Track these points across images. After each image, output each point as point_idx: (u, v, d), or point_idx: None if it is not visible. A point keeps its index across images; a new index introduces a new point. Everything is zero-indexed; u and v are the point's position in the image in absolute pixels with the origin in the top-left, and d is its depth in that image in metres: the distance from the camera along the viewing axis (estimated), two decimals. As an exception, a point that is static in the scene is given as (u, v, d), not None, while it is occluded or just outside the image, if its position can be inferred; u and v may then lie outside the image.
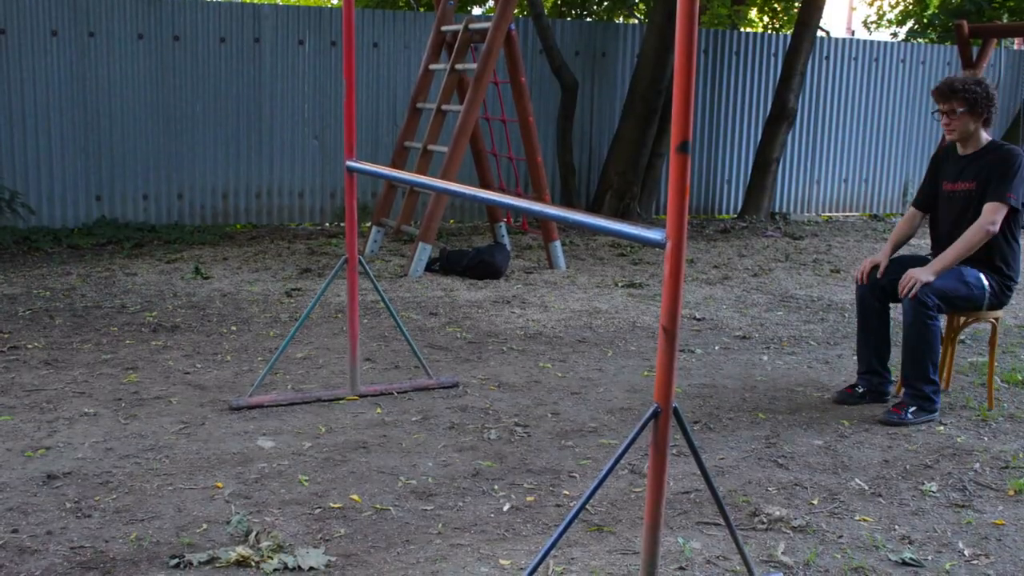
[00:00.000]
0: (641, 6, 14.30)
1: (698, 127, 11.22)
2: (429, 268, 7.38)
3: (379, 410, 4.21)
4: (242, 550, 2.80)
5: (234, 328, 5.54)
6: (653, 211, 10.93)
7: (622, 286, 7.12)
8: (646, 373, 4.89)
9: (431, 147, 7.66)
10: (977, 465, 3.73)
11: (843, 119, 11.95)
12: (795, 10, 14.44)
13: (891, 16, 17.45)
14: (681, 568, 2.84)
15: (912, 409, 4.17)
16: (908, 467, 3.70)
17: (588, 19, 14.22)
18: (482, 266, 7.24)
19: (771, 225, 10.65)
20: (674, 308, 2.20)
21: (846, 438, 4.01)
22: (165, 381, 4.52)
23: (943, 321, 4.40)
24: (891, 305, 4.46)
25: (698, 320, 6.10)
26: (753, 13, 15.60)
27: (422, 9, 12.89)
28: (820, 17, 10.88)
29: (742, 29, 13.08)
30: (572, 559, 2.87)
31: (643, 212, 10.56)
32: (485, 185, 8.15)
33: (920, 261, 4.31)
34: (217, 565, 2.76)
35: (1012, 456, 3.84)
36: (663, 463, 2.31)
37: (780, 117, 10.81)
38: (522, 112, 7.61)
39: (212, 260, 7.55)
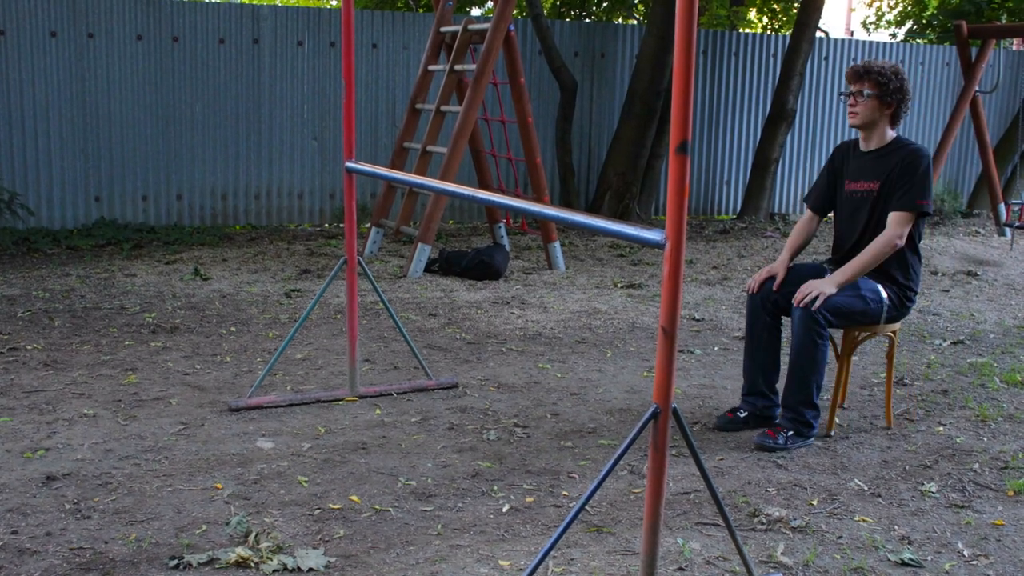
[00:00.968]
0: (640, 7, 14.31)
1: (697, 128, 11.23)
2: (428, 269, 7.38)
3: (378, 411, 4.21)
4: (241, 551, 2.80)
5: (233, 329, 5.54)
6: (652, 212, 10.93)
7: (621, 287, 7.12)
8: (645, 374, 4.89)
9: (430, 148, 7.66)
10: (976, 466, 3.74)
11: (842, 120, 11.95)
12: (794, 11, 14.45)
13: (890, 17, 17.45)
14: (681, 569, 2.84)
15: (789, 434, 3.83)
16: (907, 468, 3.70)
17: (587, 20, 14.23)
18: (481, 267, 7.24)
19: (770, 226, 10.65)
20: (673, 309, 2.20)
21: (845, 439, 4.01)
22: (164, 382, 4.51)
23: (842, 336, 4.07)
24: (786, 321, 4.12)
25: (697, 321, 6.10)
26: (752, 14, 15.61)
27: (421, 10, 12.90)
28: (819, 18, 10.89)
29: (741, 30, 13.08)
30: (571, 560, 2.87)
31: (642, 213, 10.56)
32: (484, 186, 8.15)
33: (818, 271, 4.00)
34: (216, 566, 2.76)
35: (1011, 456, 3.84)
36: (662, 464, 2.31)
37: (779, 118, 10.81)
38: (521, 113, 7.61)
39: (211, 261, 7.55)
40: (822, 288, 3.76)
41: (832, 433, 4.01)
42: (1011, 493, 3.47)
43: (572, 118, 10.28)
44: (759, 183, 11.01)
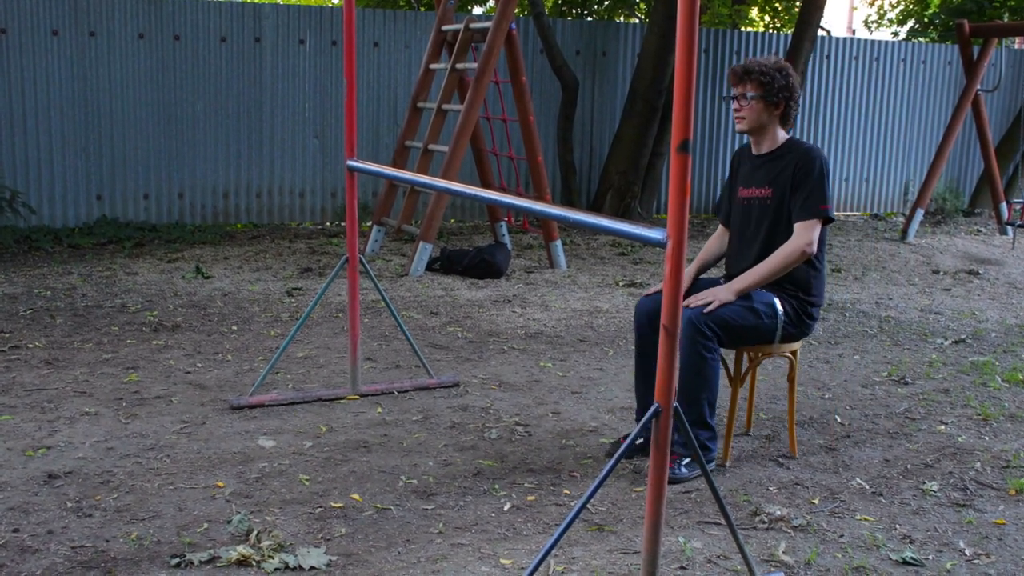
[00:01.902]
0: (642, 5, 14.29)
1: (699, 127, 11.22)
2: (430, 267, 7.38)
3: (380, 409, 4.21)
4: (243, 549, 2.80)
5: (235, 327, 5.54)
6: (654, 210, 10.92)
7: (623, 285, 7.12)
8: (647, 372, 4.89)
9: (432, 146, 7.66)
10: (978, 464, 3.73)
11: (844, 119, 11.94)
12: (796, 10, 14.44)
13: (892, 15, 17.44)
14: (682, 567, 2.84)
15: (686, 461, 3.47)
16: (909, 466, 3.70)
17: (589, 18, 14.22)
18: (483, 265, 7.24)
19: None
20: (675, 308, 2.20)
21: (847, 437, 4.01)
22: (166, 380, 4.52)
23: (734, 357, 3.73)
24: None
25: (699, 319, 6.09)
26: (754, 13, 15.59)
27: (423, 8, 12.89)
28: (821, 16, 10.87)
29: (743, 29, 13.07)
30: (573, 558, 2.87)
31: (644, 211, 10.55)
32: (486, 184, 8.15)
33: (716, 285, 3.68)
34: (218, 564, 2.76)
35: (1013, 455, 3.83)
36: (664, 462, 2.31)
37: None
38: (523, 111, 7.61)
39: (213, 259, 7.56)
40: (718, 294, 3.46)
41: (727, 464, 3.63)
42: (1013, 492, 3.47)
43: (574, 117, 10.28)
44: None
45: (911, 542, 3.05)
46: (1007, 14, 14.12)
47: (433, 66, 7.96)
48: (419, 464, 3.60)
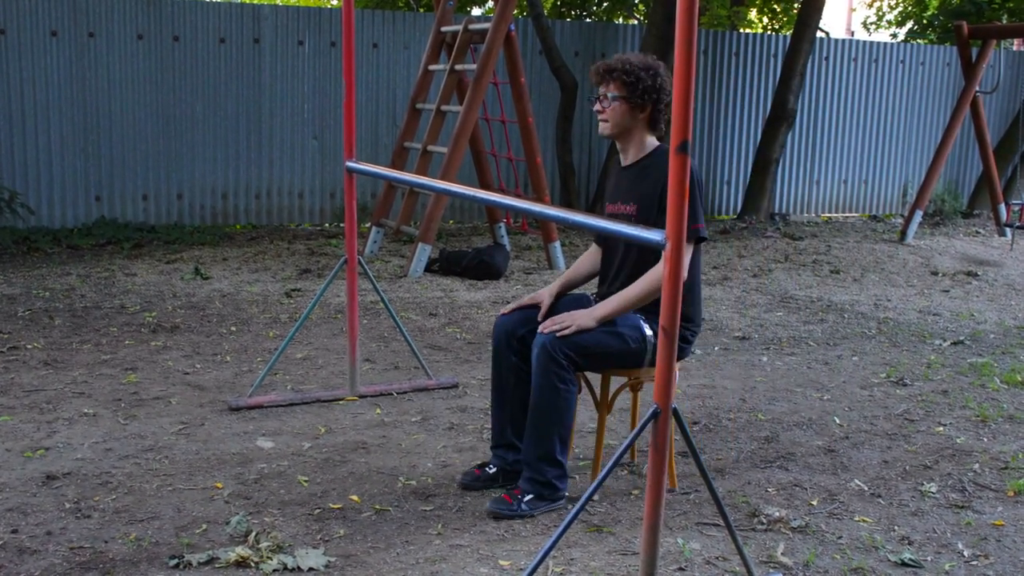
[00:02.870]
0: (641, 7, 14.30)
1: (697, 128, 11.22)
2: (429, 269, 7.38)
3: (379, 411, 4.21)
4: (241, 550, 2.80)
5: (234, 328, 5.54)
6: (653, 212, 10.91)
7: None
8: (646, 374, 4.89)
9: (431, 147, 7.66)
10: (976, 466, 3.74)
11: (843, 120, 11.95)
12: (794, 11, 14.45)
13: (891, 17, 17.45)
14: (681, 568, 2.84)
15: (528, 498, 3.17)
16: (907, 468, 3.70)
17: (588, 20, 14.22)
18: (482, 266, 7.24)
19: (770, 226, 10.65)
20: (674, 309, 2.21)
21: (845, 439, 4.01)
22: (164, 381, 4.51)
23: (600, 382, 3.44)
24: None
25: (697, 321, 6.10)
26: (752, 14, 15.61)
27: (422, 10, 12.89)
28: (819, 18, 10.88)
29: (741, 30, 13.08)
30: (571, 560, 2.87)
31: (643, 213, 10.54)
32: (485, 186, 8.15)
33: (584, 303, 3.37)
34: (216, 565, 2.76)
35: (1011, 457, 3.84)
36: (663, 463, 2.31)
37: (779, 118, 10.80)
38: (521, 113, 7.61)
39: (212, 260, 7.55)
40: (577, 319, 3.14)
41: (595, 498, 3.26)
42: (1011, 493, 3.47)
43: (573, 118, 10.28)
44: (759, 183, 11.00)
45: (910, 543, 3.05)
46: (1006, 16, 14.13)
47: (432, 67, 7.96)
48: (418, 465, 3.60)
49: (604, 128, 3.30)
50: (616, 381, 3.39)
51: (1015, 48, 15.10)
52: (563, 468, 3.22)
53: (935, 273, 8.12)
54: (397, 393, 4.44)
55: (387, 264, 7.65)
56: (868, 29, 17.77)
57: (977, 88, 9.78)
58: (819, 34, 11.32)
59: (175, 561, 2.76)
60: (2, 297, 6.10)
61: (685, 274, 2.96)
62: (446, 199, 7.59)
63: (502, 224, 8.23)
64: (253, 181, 9.39)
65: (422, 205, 8.47)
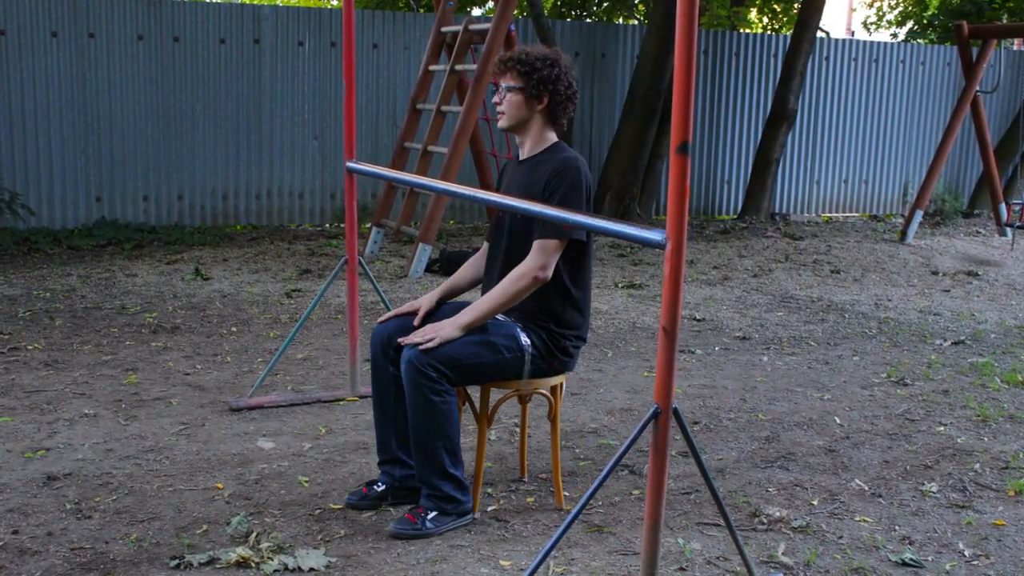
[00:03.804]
0: (641, 7, 14.30)
1: (698, 128, 11.22)
2: (429, 269, 7.38)
3: (379, 411, 4.21)
4: (242, 551, 2.80)
5: (234, 329, 5.54)
6: (653, 212, 10.93)
7: (622, 287, 7.12)
8: (646, 374, 4.89)
9: (431, 148, 7.66)
10: (977, 466, 3.73)
11: (843, 120, 11.95)
12: (795, 11, 14.45)
13: (891, 17, 17.45)
14: (681, 569, 2.84)
15: (432, 515, 3.00)
16: (908, 468, 3.70)
17: (588, 20, 14.22)
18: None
19: (771, 226, 10.65)
20: (674, 309, 2.20)
21: (846, 439, 4.01)
22: (165, 382, 4.52)
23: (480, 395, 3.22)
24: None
25: (698, 321, 6.10)
26: (753, 14, 15.60)
27: (422, 10, 12.89)
28: (820, 18, 10.88)
29: (742, 30, 13.08)
30: (572, 560, 2.87)
31: (643, 213, 10.55)
32: (485, 186, 8.15)
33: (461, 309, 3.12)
34: (217, 566, 2.76)
35: (1012, 457, 3.83)
36: (663, 464, 2.31)
37: (780, 118, 10.81)
38: (522, 113, 7.60)
39: (212, 261, 7.55)
40: (441, 330, 2.95)
41: (477, 514, 3.14)
42: (1012, 493, 3.47)
43: (573, 118, 10.27)
44: (760, 183, 11.01)
45: (910, 543, 3.05)
46: (1006, 15, 14.13)
47: (432, 67, 7.96)
48: (418, 465, 3.59)
49: (501, 121, 3.15)
50: (497, 392, 3.16)
51: (1015, 48, 15.09)
52: (458, 480, 3.04)
53: (935, 273, 8.12)
54: (398, 393, 4.43)
55: (388, 264, 7.65)
56: (868, 29, 17.77)
57: (977, 88, 9.78)
58: (819, 34, 11.32)
59: (176, 562, 2.76)
60: (3, 298, 6.11)
61: (547, 274, 2.95)
62: (446, 199, 7.59)
63: (502, 224, 8.22)
64: (253, 182, 9.39)
65: (422, 205, 8.47)
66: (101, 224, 8.70)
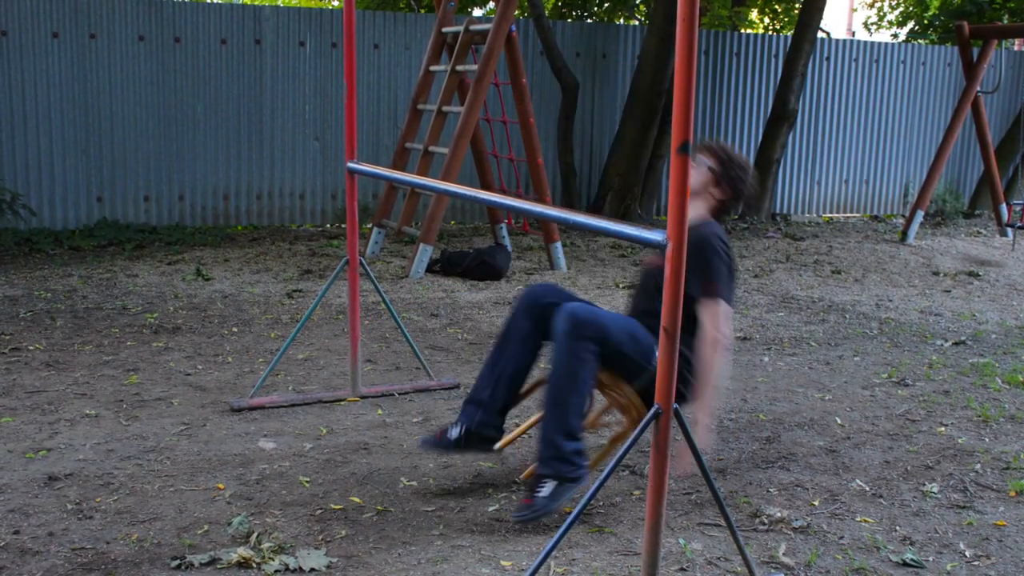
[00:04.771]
0: (642, 7, 14.30)
1: (699, 128, 11.22)
2: (430, 269, 7.38)
3: (380, 411, 4.21)
4: (243, 551, 2.80)
5: (235, 329, 5.54)
6: (654, 212, 10.93)
7: (623, 287, 7.12)
8: (647, 374, 4.89)
9: (432, 148, 7.66)
10: (978, 466, 3.73)
11: (844, 120, 11.95)
12: (796, 11, 14.45)
13: (892, 17, 17.44)
14: (682, 569, 2.84)
15: (545, 490, 3.02)
16: (909, 468, 3.70)
17: (589, 20, 14.22)
18: (483, 267, 7.24)
19: (772, 226, 10.65)
20: (675, 309, 2.21)
21: (847, 439, 4.01)
22: (166, 382, 4.52)
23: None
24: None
25: (699, 321, 6.09)
26: (754, 14, 15.60)
27: (423, 11, 12.90)
28: (821, 18, 10.89)
29: (742, 30, 13.08)
30: (573, 560, 2.87)
31: (644, 213, 10.56)
32: (486, 186, 8.15)
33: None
34: (218, 566, 2.76)
35: (1013, 457, 3.83)
36: (664, 464, 2.31)
37: (781, 118, 10.81)
38: (523, 113, 7.61)
39: (213, 261, 7.56)
40: (700, 440, 3.03)
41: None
42: (1013, 494, 3.47)
43: (574, 119, 10.28)
44: (761, 184, 11.00)
45: (911, 544, 3.05)
46: (1007, 16, 14.12)
47: (433, 68, 7.96)
48: (419, 466, 3.60)
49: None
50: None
51: (1016, 48, 15.09)
52: (580, 442, 3.09)
53: (936, 273, 8.12)
54: (399, 394, 4.44)
55: (388, 265, 7.65)
56: (869, 29, 17.76)
57: (978, 88, 9.77)
58: (820, 34, 11.33)
59: (177, 562, 2.76)
60: (4, 298, 6.11)
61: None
62: (447, 200, 7.59)
63: (503, 225, 8.23)
64: (254, 182, 9.40)
65: (423, 206, 8.47)
66: (102, 224, 8.71)
